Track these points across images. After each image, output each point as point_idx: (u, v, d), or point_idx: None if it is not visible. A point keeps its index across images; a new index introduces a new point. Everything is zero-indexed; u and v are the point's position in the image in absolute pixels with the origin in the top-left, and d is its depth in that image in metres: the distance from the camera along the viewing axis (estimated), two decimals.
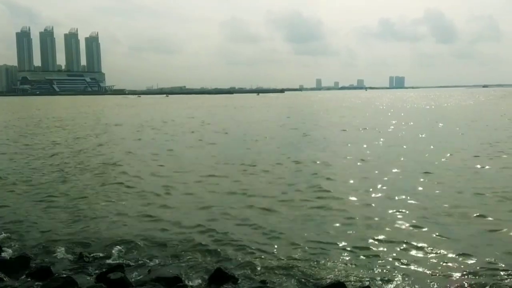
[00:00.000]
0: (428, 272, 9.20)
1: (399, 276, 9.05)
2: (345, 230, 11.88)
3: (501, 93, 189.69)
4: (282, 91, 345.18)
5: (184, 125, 49.37)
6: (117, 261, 9.83)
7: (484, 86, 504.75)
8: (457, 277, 8.90)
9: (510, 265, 9.42)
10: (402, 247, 10.56)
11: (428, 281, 8.81)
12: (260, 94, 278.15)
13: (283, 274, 9.18)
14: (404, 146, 28.24)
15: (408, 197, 15.05)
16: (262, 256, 10.15)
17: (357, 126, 43.94)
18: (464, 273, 9.08)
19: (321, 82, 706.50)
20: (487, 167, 20.37)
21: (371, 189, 16.32)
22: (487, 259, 9.70)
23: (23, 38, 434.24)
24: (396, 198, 15.07)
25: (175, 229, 12.30)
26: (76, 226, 12.71)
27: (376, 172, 19.58)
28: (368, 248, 10.54)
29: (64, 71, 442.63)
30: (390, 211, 13.50)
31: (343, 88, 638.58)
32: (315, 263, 9.74)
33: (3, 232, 12.03)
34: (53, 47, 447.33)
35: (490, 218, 12.63)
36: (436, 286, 8.62)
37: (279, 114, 68.66)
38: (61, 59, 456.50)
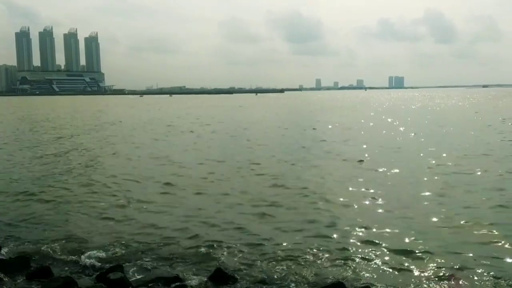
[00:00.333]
0: (428, 272, 9.19)
1: (399, 276, 9.05)
2: (345, 230, 11.88)
3: (501, 94, 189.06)
4: (282, 91, 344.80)
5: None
6: (117, 261, 9.81)
7: (484, 86, 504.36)
8: (457, 277, 8.90)
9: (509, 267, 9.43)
10: (402, 248, 10.55)
11: (428, 281, 8.82)
12: (258, 94, 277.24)
13: (283, 274, 9.18)
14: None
15: (408, 198, 15.04)
16: (262, 256, 10.15)
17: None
18: (464, 273, 9.07)
19: (320, 82, 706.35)
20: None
21: (371, 190, 16.33)
22: (482, 262, 9.69)
23: (22, 38, 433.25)
24: (396, 198, 15.07)
25: (175, 229, 12.29)
26: (76, 226, 12.71)
27: (376, 172, 19.59)
28: (368, 248, 10.54)
29: (64, 71, 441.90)
30: (390, 211, 13.50)
31: (342, 88, 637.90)
32: (315, 263, 9.75)
33: (2, 232, 12.03)
34: (53, 47, 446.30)
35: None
36: (436, 286, 8.62)
37: (272, 115, 68.52)
38: (60, 59, 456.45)
